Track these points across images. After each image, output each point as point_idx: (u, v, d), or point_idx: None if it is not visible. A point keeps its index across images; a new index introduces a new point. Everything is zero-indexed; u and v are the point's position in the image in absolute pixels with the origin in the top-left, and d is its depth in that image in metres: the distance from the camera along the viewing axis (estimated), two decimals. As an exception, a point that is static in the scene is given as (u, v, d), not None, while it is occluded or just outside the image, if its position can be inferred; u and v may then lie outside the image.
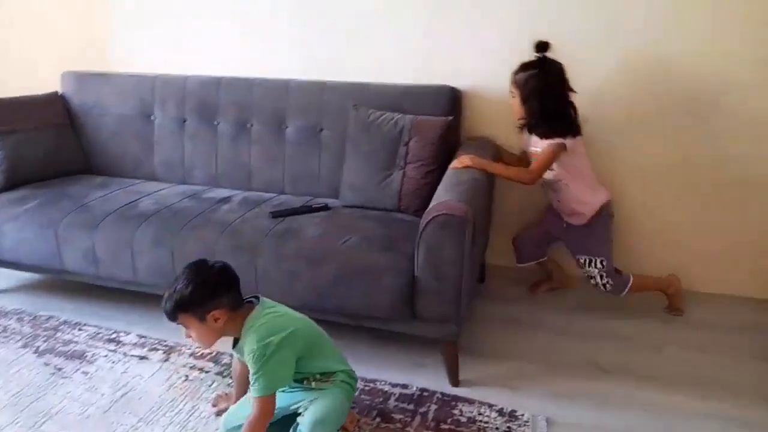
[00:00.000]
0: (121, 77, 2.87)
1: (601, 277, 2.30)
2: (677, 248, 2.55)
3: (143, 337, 2.25)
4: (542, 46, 2.10)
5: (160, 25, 2.93)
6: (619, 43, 2.35)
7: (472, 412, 1.84)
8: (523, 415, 1.82)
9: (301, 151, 2.58)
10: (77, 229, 2.26)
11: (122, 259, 2.21)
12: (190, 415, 1.83)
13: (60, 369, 2.07)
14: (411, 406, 1.87)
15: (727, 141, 2.37)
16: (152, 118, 2.79)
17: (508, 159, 2.43)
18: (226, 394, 1.90)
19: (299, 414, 1.61)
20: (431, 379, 2.01)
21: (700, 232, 2.52)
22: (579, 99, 2.17)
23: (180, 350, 2.17)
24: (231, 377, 1.91)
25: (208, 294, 1.53)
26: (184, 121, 2.75)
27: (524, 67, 2.15)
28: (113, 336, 2.27)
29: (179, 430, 1.76)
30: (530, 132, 2.24)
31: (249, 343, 1.55)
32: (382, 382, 1.98)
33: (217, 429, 1.74)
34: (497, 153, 2.42)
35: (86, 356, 2.14)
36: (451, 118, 2.32)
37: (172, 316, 1.55)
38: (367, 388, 1.95)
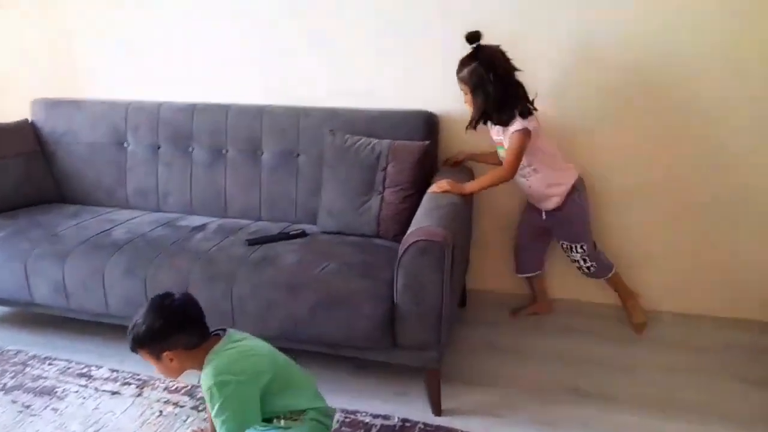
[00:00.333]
0: (92, 104, 2.82)
1: (584, 260, 2.38)
2: (645, 268, 2.55)
3: (115, 371, 2.19)
4: (473, 38, 2.10)
5: (132, 52, 2.88)
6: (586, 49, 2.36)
7: (455, 442, 1.81)
8: (506, 443, 1.79)
9: (277, 177, 2.55)
10: (47, 260, 2.21)
11: (94, 291, 2.15)
12: (165, 453, 1.77)
13: (28, 406, 2.00)
14: (393, 437, 1.83)
15: (695, 162, 2.38)
16: (125, 145, 2.75)
17: (482, 158, 2.45)
18: (202, 429, 1.85)
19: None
20: (413, 408, 1.98)
21: (668, 251, 2.52)
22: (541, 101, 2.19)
23: (154, 384, 2.11)
24: (206, 411, 1.85)
25: (162, 335, 1.50)
26: (158, 148, 2.71)
27: (463, 62, 2.15)
28: (84, 370, 2.20)
29: (153, 469, 1.71)
30: (488, 122, 2.22)
31: (205, 379, 1.50)
32: (363, 414, 1.94)
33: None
34: (473, 177, 2.41)
35: (56, 392, 2.07)
36: (428, 142, 2.32)
37: (133, 350, 1.55)
38: (347, 419, 1.91)
